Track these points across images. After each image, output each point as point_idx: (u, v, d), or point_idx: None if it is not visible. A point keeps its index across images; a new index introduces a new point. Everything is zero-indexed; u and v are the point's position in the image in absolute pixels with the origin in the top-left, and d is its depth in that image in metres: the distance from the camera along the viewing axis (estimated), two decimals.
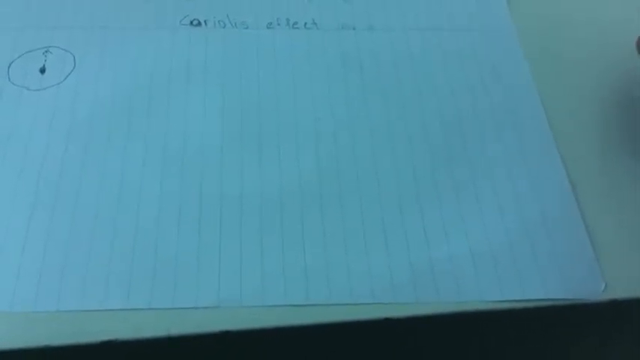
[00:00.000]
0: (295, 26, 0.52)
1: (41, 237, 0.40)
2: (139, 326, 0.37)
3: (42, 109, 0.46)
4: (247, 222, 0.41)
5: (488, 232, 0.42)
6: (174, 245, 0.40)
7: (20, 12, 0.51)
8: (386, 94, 0.49)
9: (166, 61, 0.49)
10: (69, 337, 0.37)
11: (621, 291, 0.40)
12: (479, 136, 0.47)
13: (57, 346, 0.36)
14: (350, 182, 0.44)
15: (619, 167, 0.46)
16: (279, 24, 0.52)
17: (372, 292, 0.39)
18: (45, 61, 0.48)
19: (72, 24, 0.50)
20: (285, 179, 0.44)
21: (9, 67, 0.48)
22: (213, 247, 0.40)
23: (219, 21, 0.52)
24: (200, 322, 0.38)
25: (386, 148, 0.46)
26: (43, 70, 0.48)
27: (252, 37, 0.51)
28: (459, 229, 0.42)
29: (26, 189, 0.42)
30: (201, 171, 0.43)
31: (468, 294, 0.40)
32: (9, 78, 0.47)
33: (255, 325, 0.38)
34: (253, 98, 0.47)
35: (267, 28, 0.52)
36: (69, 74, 0.48)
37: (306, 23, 0.52)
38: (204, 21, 0.52)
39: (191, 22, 0.52)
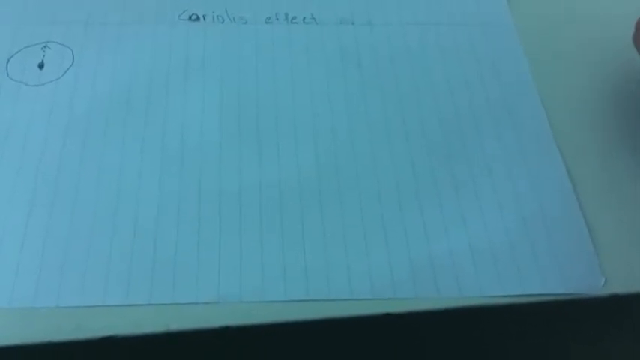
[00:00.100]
0: (294, 21, 0.52)
1: (40, 233, 0.40)
2: (139, 322, 0.37)
3: (40, 104, 0.46)
4: (247, 217, 0.41)
5: (488, 227, 0.42)
6: (174, 241, 0.40)
7: (19, 7, 0.51)
8: (385, 89, 0.49)
9: (165, 56, 0.49)
10: (68, 333, 0.37)
11: (621, 286, 0.40)
12: (478, 133, 0.47)
13: (57, 342, 0.36)
14: (349, 178, 0.44)
15: (619, 163, 0.46)
16: (277, 19, 0.52)
17: (372, 287, 0.39)
18: (43, 56, 0.48)
19: (70, 19, 0.50)
20: (284, 174, 0.43)
21: (7, 63, 0.47)
22: (212, 242, 0.40)
23: (217, 16, 0.52)
24: (200, 318, 0.38)
25: (385, 143, 0.46)
26: (41, 66, 0.48)
27: (250, 32, 0.51)
28: (458, 225, 0.42)
29: (25, 185, 0.42)
30: (200, 166, 0.43)
31: (468, 289, 0.40)
32: (7, 73, 0.47)
33: (255, 321, 0.38)
34: (252, 93, 0.47)
35: (266, 22, 0.52)
36: (67, 69, 0.48)
37: (304, 18, 0.52)
38: (203, 16, 0.52)
39: (189, 17, 0.52)
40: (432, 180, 0.44)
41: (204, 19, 0.52)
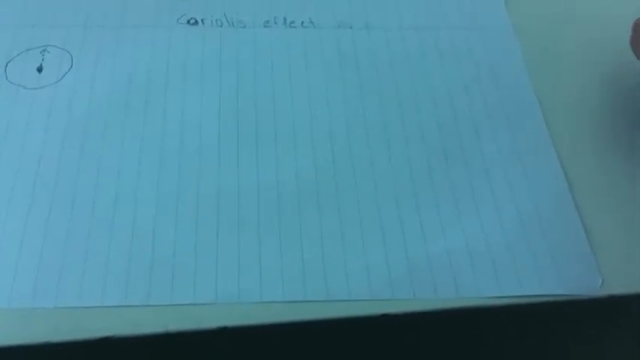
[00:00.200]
0: (292, 25, 0.52)
1: (39, 234, 0.40)
2: (137, 322, 0.37)
3: (39, 107, 0.46)
4: (245, 218, 0.42)
5: (486, 228, 0.42)
6: (172, 242, 0.40)
7: (18, 10, 0.51)
8: (383, 92, 0.49)
9: (163, 60, 0.49)
10: (67, 334, 0.37)
11: (618, 286, 0.40)
12: (475, 135, 0.47)
13: (55, 343, 0.36)
14: (347, 180, 0.44)
15: (616, 165, 0.46)
16: (276, 23, 0.52)
17: (370, 288, 0.39)
18: (42, 60, 0.48)
19: (69, 23, 0.51)
20: (282, 176, 0.44)
21: (6, 66, 0.48)
22: (210, 243, 0.40)
23: (216, 20, 0.52)
24: (198, 318, 0.38)
25: (383, 145, 0.46)
26: (40, 69, 0.48)
27: (249, 36, 0.51)
28: (455, 226, 0.42)
29: (24, 186, 0.42)
30: (199, 168, 0.44)
31: (466, 290, 0.40)
32: (6, 77, 0.47)
33: (253, 322, 0.38)
34: (250, 96, 0.48)
35: (264, 26, 0.52)
36: (66, 73, 0.48)
37: (303, 22, 0.53)
38: (202, 20, 0.52)
39: (188, 21, 0.52)
40: (429, 181, 0.44)
41: (202, 23, 0.52)
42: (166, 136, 0.45)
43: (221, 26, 0.52)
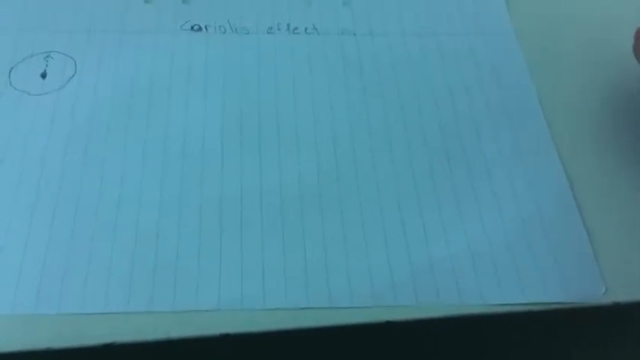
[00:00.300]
0: (296, 31, 0.52)
1: (42, 240, 0.40)
2: (140, 329, 0.37)
3: (43, 113, 0.46)
4: (248, 225, 0.42)
5: (488, 233, 0.42)
6: (175, 248, 0.40)
7: (22, 16, 0.51)
8: (386, 98, 0.49)
9: (167, 66, 0.49)
10: (69, 340, 0.37)
11: (622, 293, 0.40)
12: (477, 138, 0.47)
13: (58, 349, 0.36)
14: (350, 184, 0.44)
15: (617, 166, 0.46)
16: (279, 29, 0.53)
17: (372, 292, 0.39)
18: (46, 66, 0.48)
19: (73, 28, 0.51)
20: (285, 181, 0.44)
21: (10, 72, 0.48)
22: (213, 250, 0.40)
23: (219, 26, 0.52)
24: (200, 325, 0.38)
25: (385, 149, 0.46)
26: (44, 75, 0.48)
27: (252, 42, 0.51)
28: (458, 230, 0.42)
29: (27, 193, 0.42)
30: (201, 175, 0.44)
31: (469, 295, 0.40)
32: (10, 82, 0.47)
33: (256, 328, 0.38)
34: (253, 102, 0.48)
35: (268, 33, 0.52)
36: (70, 79, 0.48)
37: (306, 28, 0.53)
38: (205, 26, 0.52)
39: (192, 28, 0.52)
40: (431, 185, 0.44)
41: (206, 29, 0.52)
42: (169, 141, 0.45)
43: (224, 32, 0.52)
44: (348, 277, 0.40)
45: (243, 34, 0.52)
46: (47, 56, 0.49)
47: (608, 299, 0.40)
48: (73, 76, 0.48)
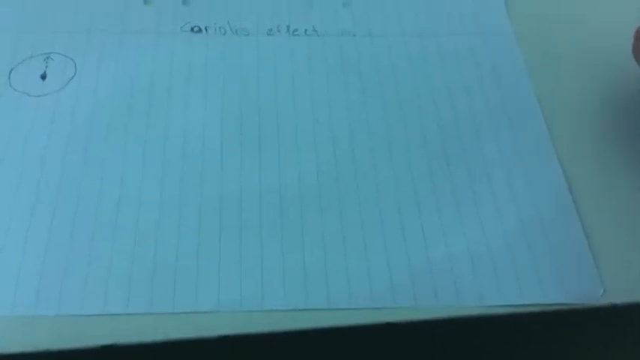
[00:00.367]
0: (295, 33, 0.52)
1: (42, 241, 0.40)
2: (139, 330, 0.37)
3: (42, 114, 0.46)
4: (247, 226, 0.42)
5: (487, 234, 0.42)
6: (174, 249, 0.40)
7: (22, 17, 0.51)
8: (385, 98, 0.49)
9: (167, 68, 0.49)
10: (69, 341, 0.37)
11: (620, 294, 0.40)
12: (477, 139, 0.47)
13: (57, 350, 0.36)
14: (349, 185, 0.44)
15: (616, 168, 0.46)
16: (279, 31, 0.53)
17: (371, 294, 0.40)
18: (46, 67, 0.49)
19: (73, 29, 0.51)
20: (284, 183, 0.44)
21: (10, 73, 0.48)
22: (212, 251, 0.41)
23: (219, 27, 0.52)
24: (199, 327, 0.38)
25: (385, 150, 0.46)
26: (44, 77, 0.48)
27: (252, 43, 0.51)
28: (457, 231, 0.42)
29: (27, 194, 0.42)
30: (201, 176, 0.44)
31: (467, 297, 0.40)
32: (10, 84, 0.47)
33: (255, 330, 0.38)
34: (253, 103, 0.48)
35: (268, 34, 0.52)
36: (70, 80, 0.48)
37: (306, 30, 0.53)
38: (205, 27, 0.52)
39: (192, 29, 0.52)
40: (431, 186, 0.44)
41: (206, 30, 0.52)
42: (169, 142, 0.45)
43: (224, 34, 0.52)
44: (347, 278, 0.40)
45: (243, 36, 0.52)
46: (47, 57, 0.49)
47: (606, 300, 0.40)
48: (72, 77, 0.48)
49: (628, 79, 0.50)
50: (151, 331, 0.37)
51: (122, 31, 0.51)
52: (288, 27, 0.53)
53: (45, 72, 0.48)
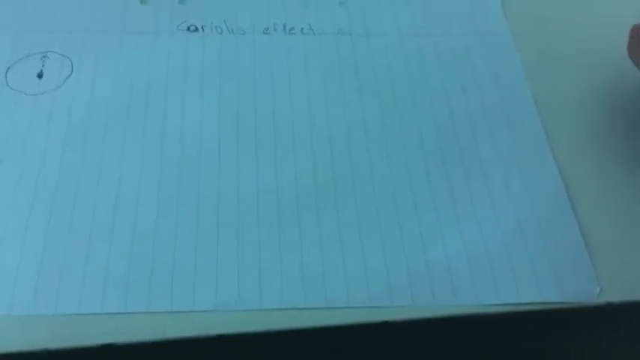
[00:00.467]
0: (292, 32, 0.53)
1: (39, 241, 0.40)
2: (136, 329, 0.37)
3: (39, 113, 0.46)
4: (244, 225, 0.42)
5: (484, 233, 0.42)
6: (172, 248, 0.40)
7: (19, 16, 0.51)
8: (382, 98, 0.49)
9: (163, 67, 0.49)
10: (66, 341, 0.37)
11: (616, 293, 0.40)
12: (473, 138, 0.47)
13: (55, 350, 0.36)
14: (346, 184, 0.44)
15: (613, 168, 0.46)
16: (275, 30, 0.53)
17: (369, 293, 0.40)
18: (43, 66, 0.48)
19: (70, 28, 0.51)
20: (281, 182, 0.44)
21: (7, 72, 0.48)
22: (210, 250, 0.41)
23: (216, 27, 0.52)
24: (197, 326, 0.38)
25: (382, 150, 0.46)
26: (40, 75, 0.48)
27: (248, 43, 0.51)
28: (454, 230, 0.42)
29: (24, 193, 0.42)
30: (198, 175, 0.44)
31: (464, 296, 0.40)
32: (7, 82, 0.47)
33: (252, 329, 0.38)
34: (250, 102, 0.48)
35: (264, 33, 0.52)
36: (66, 79, 0.48)
37: (302, 29, 0.53)
38: (202, 26, 0.52)
39: (188, 28, 0.52)
40: (427, 186, 0.44)
41: (202, 30, 0.52)
42: (166, 141, 0.45)
43: (221, 33, 0.52)
44: (344, 277, 0.40)
45: (240, 35, 0.52)
46: (44, 56, 0.49)
47: (602, 299, 0.40)
48: (69, 76, 0.48)
49: (624, 79, 0.50)
50: (149, 330, 0.38)
51: (119, 30, 0.51)
52: (284, 26, 0.53)
53: (42, 71, 0.48)
